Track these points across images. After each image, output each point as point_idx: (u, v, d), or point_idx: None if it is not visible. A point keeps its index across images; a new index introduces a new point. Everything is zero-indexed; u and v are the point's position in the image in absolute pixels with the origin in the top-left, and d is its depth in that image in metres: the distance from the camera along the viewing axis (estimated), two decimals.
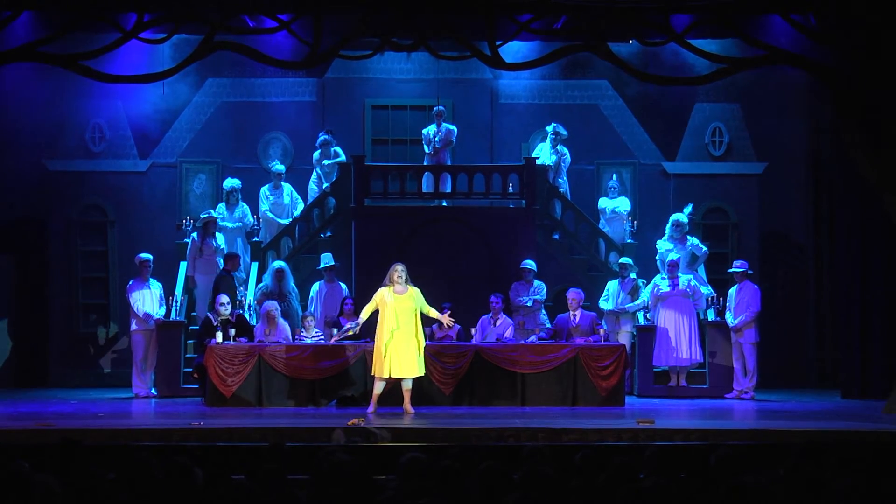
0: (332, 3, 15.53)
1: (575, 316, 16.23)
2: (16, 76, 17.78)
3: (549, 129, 18.91)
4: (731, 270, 17.31)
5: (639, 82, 17.79)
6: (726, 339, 17.01)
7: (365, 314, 14.47)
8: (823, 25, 15.23)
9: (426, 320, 14.75)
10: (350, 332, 15.13)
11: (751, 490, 6.53)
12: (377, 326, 14.37)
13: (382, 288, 14.32)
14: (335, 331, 15.70)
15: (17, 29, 15.64)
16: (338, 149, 19.05)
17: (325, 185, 18.86)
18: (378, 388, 14.30)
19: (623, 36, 17.04)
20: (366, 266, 17.60)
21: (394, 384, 14.33)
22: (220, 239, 17.91)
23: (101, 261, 19.47)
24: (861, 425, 12.85)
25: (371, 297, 14.45)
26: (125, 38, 15.22)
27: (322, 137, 18.97)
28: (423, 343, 14.36)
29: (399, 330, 14.10)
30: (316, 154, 19.04)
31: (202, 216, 18.04)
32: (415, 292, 14.32)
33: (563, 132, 18.87)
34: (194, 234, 17.91)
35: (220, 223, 18.43)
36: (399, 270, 14.24)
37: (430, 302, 14.51)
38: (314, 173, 19.11)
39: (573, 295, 16.35)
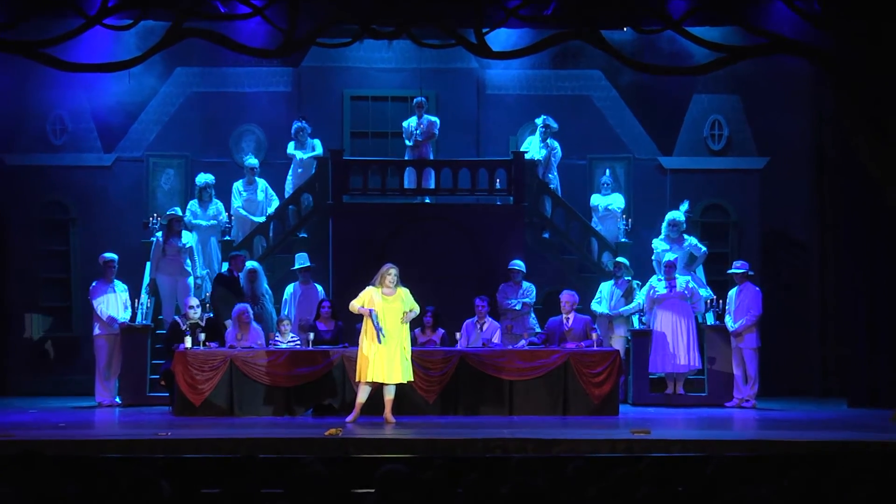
0: None
1: (568, 319, 16.21)
2: None
3: (539, 121, 18.91)
4: (730, 271, 17.34)
5: (633, 72, 17.80)
6: (726, 344, 17.03)
7: (356, 308, 14.34)
8: (828, 11, 15.26)
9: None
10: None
11: None
12: (361, 329, 14.34)
13: (371, 287, 14.28)
14: (311, 335, 15.69)
15: None
16: (316, 141, 19.00)
17: (298, 169, 18.77)
18: (363, 394, 14.25)
19: (617, 23, 17.02)
20: (344, 267, 17.59)
21: (376, 391, 14.30)
22: (187, 237, 17.81)
23: (63, 261, 19.40)
24: (868, 435, 12.89)
25: (357, 295, 14.36)
26: (88, 25, 15.18)
27: (296, 125, 18.91)
28: (409, 348, 14.32)
29: (384, 331, 14.07)
30: (291, 144, 18.97)
31: (168, 213, 17.97)
32: (404, 293, 14.27)
33: (554, 125, 18.87)
34: (158, 234, 17.84)
35: (194, 221, 18.41)
36: (392, 274, 14.20)
37: None
38: (291, 167, 19.06)
39: (567, 297, 16.32)
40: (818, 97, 19.19)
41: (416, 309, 14.46)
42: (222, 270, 17.47)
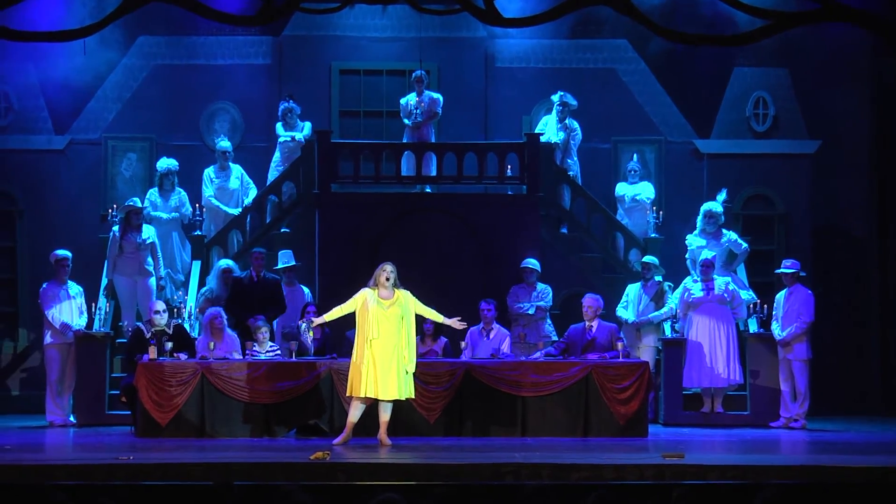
0: None
1: (591, 327, 16.19)
2: None
3: (556, 98, 18.94)
4: (778, 272, 17.34)
5: (665, 42, 17.80)
6: (772, 355, 17.04)
7: (333, 314, 14.35)
8: None
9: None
10: (308, 334, 15.03)
11: None
12: (355, 337, 14.33)
13: (366, 289, 14.25)
14: (294, 344, 15.67)
15: None
16: (307, 124, 18.92)
17: (285, 152, 18.78)
18: (355, 412, 14.23)
19: None
20: (332, 266, 17.61)
21: (370, 409, 14.28)
22: (147, 232, 17.75)
23: (9, 259, 19.45)
24: None
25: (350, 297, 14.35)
26: None
27: (283, 105, 18.89)
28: (411, 360, 14.23)
29: (378, 339, 14.05)
30: (278, 126, 18.94)
31: (125, 204, 17.93)
32: (403, 296, 14.21)
33: (573, 102, 18.89)
34: (115, 228, 17.81)
35: (153, 213, 18.41)
36: (388, 271, 14.19)
37: None
38: (277, 152, 19.02)
39: (590, 302, 16.28)
40: (879, 71, 19.18)
41: (435, 314, 14.52)
42: (239, 274, 17.13)
